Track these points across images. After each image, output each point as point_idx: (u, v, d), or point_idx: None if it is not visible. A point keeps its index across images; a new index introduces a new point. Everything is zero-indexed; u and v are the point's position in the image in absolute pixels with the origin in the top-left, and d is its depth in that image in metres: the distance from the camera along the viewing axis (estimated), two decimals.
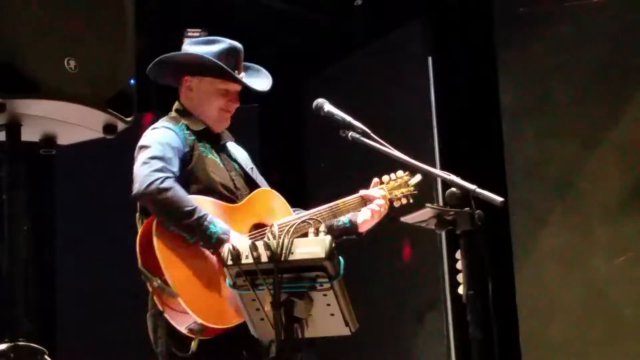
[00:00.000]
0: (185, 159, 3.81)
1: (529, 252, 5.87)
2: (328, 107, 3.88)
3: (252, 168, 4.12)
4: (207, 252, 3.68)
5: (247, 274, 2.94)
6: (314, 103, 3.89)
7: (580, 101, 5.82)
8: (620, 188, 5.71)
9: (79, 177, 6.97)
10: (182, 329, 3.61)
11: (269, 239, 2.91)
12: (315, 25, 7.05)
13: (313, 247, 2.90)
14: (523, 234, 5.87)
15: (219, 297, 3.61)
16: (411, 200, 4.11)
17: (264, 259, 2.90)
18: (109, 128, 3.45)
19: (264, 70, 4.15)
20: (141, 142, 3.80)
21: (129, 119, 3.44)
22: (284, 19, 6.99)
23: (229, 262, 2.94)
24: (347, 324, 3.01)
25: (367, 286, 6.10)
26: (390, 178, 4.12)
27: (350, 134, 3.78)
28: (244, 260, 2.93)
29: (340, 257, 2.94)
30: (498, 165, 5.86)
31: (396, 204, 4.11)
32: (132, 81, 3.46)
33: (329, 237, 2.91)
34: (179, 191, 3.65)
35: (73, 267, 6.92)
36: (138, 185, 3.65)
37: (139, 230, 3.71)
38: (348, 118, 3.80)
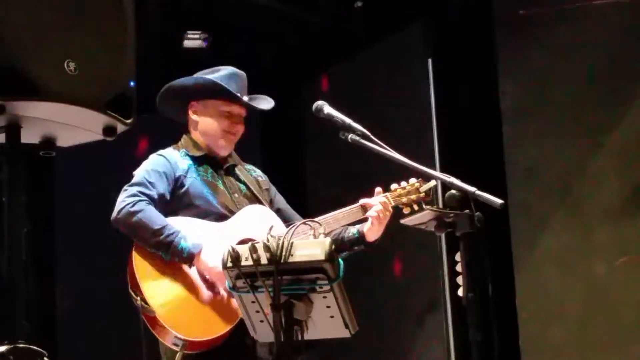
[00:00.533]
0: (178, 183, 3.91)
1: (529, 255, 5.87)
2: (328, 109, 3.88)
3: (267, 189, 4.16)
4: (186, 267, 3.76)
5: (247, 276, 2.94)
6: (314, 105, 3.90)
7: (580, 104, 5.82)
8: (620, 190, 5.72)
9: (79, 178, 6.97)
10: (168, 344, 3.69)
11: (268, 241, 2.92)
12: (315, 27, 7.05)
13: (313, 249, 2.90)
14: (523, 236, 5.87)
15: (199, 310, 3.71)
16: (424, 207, 4.03)
17: (264, 261, 2.90)
18: (108, 130, 3.45)
19: (268, 98, 4.20)
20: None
21: (128, 121, 3.45)
22: (284, 21, 6.99)
23: (229, 264, 2.94)
24: (347, 326, 3.01)
25: (367, 288, 6.10)
26: (399, 186, 4.08)
27: (350, 136, 3.78)
28: (243, 263, 2.93)
29: (340, 260, 2.94)
30: (498, 168, 5.86)
31: (405, 211, 4.05)
32: (132, 83, 3.46)
33: (328, 239, 2.91)
34: (149, 212, 3.77)
35: (73, 269, 6.92)
36: (113, 212, 3.82)
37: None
38: (348, 120, 3.80)
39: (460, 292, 3.45)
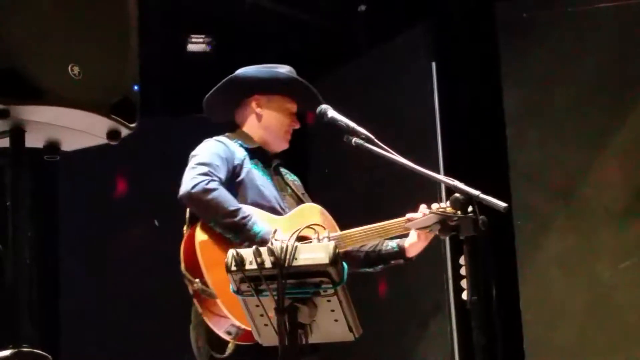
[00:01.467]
0: (235, 172, 3.88)
1: (533, 258, 5.87)
2: (332, 112, 3.89)
3: (303, 194, 4.16)
4: None
5: (251, 279, 2.94)
6: (318, 109, 3.91)
7: (584, 106, 5.82)
8: (624, 193, 5.72)
9: (83, 181, 6.99)
10: (220, 332, 3.65)
11: (272, 245, 2.92)
12: (318, 30, 7.05)
13: (317, 252, 2.90)
14: (527, 240, 5.87)
15: None
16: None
17: (268, 264, 2.90)
18: (112, 134, 3.44)
19: None
20: (193, 152, 3.91)
21: (132, 125, 3.43)
22: (287, 24, 7.00)
23: (233, 268, 2.94)
24: (351, 330, 3.01)
25: (371, 291, 6.10)
26: (439, 206, 3.86)
27: (354, 139, 3.79)
28: (247, 266, 2.93)
29: (345, 263, 2.94)
30: (502, 171, 5.86)
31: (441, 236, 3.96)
32: (135, 87, 3.46)
33: (332, 243, 2.91)
34: (224, 192, 3.73)
35: (77, 273, 6.93)
36: (184, 187, 3.74)
37: (185, 236, 3.77)
38: (352, 124, 3.81)
39: (464, 296, 3.45)
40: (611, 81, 5.77)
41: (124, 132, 3.44)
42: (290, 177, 4.20)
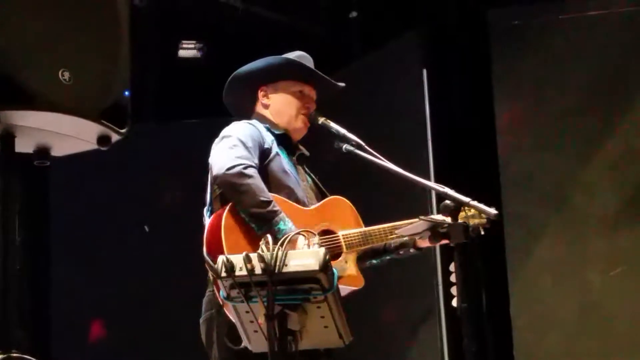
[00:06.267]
0: (264, 155, 3.79)
1: (524, 265, 5.87)
2: (323, 119, 3.89)
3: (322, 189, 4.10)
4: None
5: (241, 286, 2.93)
6: (309, 115, 3.91)
7: (575, 114, 5.83)
8: (614, 200, 5.73)
9: (74, 187, 6.98)
10: None
11: (263, 251, 2.91)
12: (310, 37, 7.05)
13: (307, 259, 2.89)
14: (517, 247, 5.87)
15: None
16: (482, 232, 3.66)
17: (258, 271, 2.90)
18: (103, 139, 3.44)
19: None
20: (223, 133, 3.81)
21: (123, 130, 3.43)
22: (279, 30, 7.00)
23: (223, 274, 2.94)
24: (340, 336, 3.00)
25: (362, 298, 6.08)
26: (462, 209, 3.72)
27: (345, 146, 3.79)
28: (237, 272, 2.92)
29: (335, 270, 2.94)
30: (492, 178, 5.87)
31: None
32: (126, 93, 3.46)
33: (323, 250, 2.90)
34: (259, 181, 3.64)
35: (68, 278, 6.92)
36: (220, 166, 3.64)
37: (208, 222, 3.67)
38: (342, 130, 3.82)
39: (454, 302, 3.46)
40: (602, 89, 5.79)
41: (115, 137, 3.44)
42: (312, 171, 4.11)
